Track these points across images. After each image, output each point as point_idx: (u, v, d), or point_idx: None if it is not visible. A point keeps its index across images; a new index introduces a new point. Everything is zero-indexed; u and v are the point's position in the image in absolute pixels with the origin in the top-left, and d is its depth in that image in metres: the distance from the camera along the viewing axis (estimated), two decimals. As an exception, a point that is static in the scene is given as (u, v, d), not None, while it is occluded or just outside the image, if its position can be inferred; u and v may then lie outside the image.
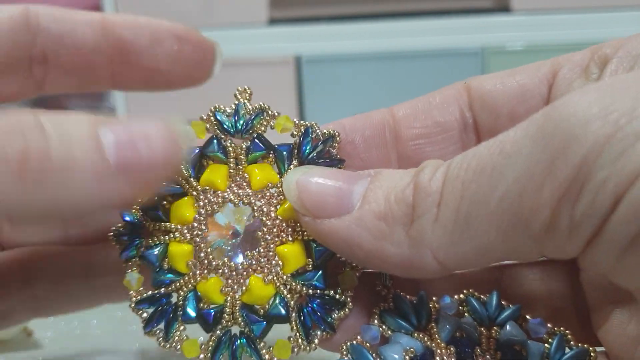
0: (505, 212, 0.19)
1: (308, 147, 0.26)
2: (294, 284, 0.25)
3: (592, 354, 0.24)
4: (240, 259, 0.25)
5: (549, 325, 0.26)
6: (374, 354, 0.25)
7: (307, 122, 0.27)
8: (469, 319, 0.26)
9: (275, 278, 0.25)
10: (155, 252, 0.26)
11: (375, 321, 0.26)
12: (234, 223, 0.26)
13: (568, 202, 0.18)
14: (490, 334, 0.26)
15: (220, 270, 0.25)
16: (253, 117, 0.27)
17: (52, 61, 0.26)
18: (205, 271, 0.25)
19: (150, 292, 0.25)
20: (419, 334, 0.26)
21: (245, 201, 0.26)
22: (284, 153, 0.27)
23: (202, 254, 0.25)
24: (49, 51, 0.25)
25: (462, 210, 0.20)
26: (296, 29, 0.77)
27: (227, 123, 0.27)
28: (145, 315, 0.25)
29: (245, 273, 0.25)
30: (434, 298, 0.26)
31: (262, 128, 0.27)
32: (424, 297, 0.26)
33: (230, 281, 0.25)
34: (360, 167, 0.27)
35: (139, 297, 0.25)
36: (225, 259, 0.25)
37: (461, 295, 0.26)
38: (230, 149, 0.26)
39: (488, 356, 0.25)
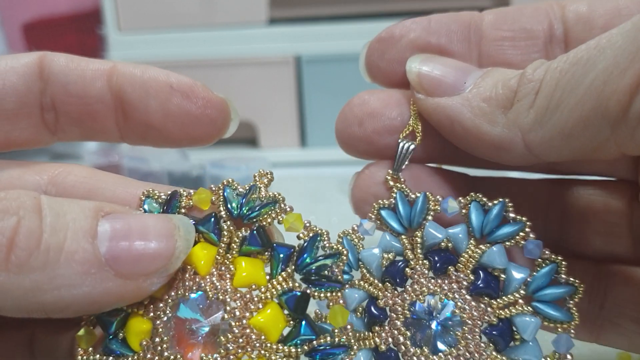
0: (590, 98, 0.20)
1: (309, 258, 0.24)
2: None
3: (580, 290, 0.24)
4: (196, 357, 0.23)
5: (546, 251, 0.25)
6: (360, 248, 0.26)
7: (319, 229, 0.25)
8: (462, 226, 0.26)
9: None
10: (113, 320, 0.24)
11: (372, 216, 0.26)
12: (200, 317, 0.23)
13: None
14: (473, 253, 0.25)
15: None
16: (261, 205, 0.25)
17: (60, 109, 0.25)
18: (156, 358, 0.23)
19: (97, 357, 0.24)
20: (406, 237, 0.26)
21: (220, 297, 0.23)
22: (281, 256, 0.24)
23: (157, 339, 0.23)
24: (56, 98, 0.25)
25: (555, 97, 0.22)
26: (296, 28, 0.76)
27: (232, 203, 0.25)
28: None
29: None
30: (439, 198, 0.26)
31: (269, 220, 0.25)
32: (423, 198, 0.26)
33: None
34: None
35: (84, 357, 0.24)
36: (178, 355, 0.23)
37: (467, 198, 0.26)
38: (226, 232, 0.24)
39: (462, 275, 0.25)
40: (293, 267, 0.24)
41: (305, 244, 0.25)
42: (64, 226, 0.20)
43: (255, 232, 0.25)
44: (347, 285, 0.25)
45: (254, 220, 0.25)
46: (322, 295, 0.25)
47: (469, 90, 0.25)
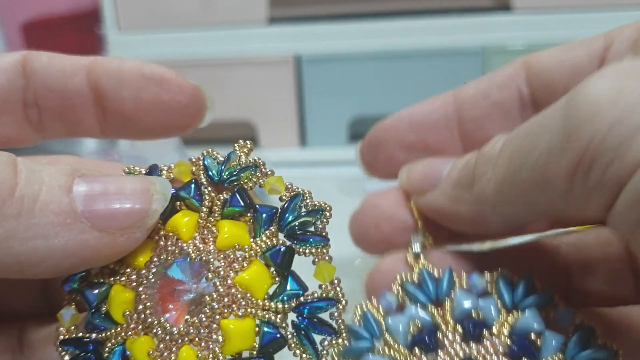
0: (538, 173, 0.22)
1: (291, 216, 0.24)
2: None
3: (620, 356, 0.24)
4: (181, 322, 0.23)
5: (579, 318, 0.25)
6: (382, 321, 0.25)
7: (300, 189, 0.25)
8: (491, 299, 0.26)
9: (210, 356, 0.22)
10: (95, 292, 0.23)
11: (395, 289, 0.26)
12: (184, 278, 0.23)
13: (581, 174, 0.20)
14: (506, 318, 0.25)
15: (155, 331, 0.23)
16: (241, 169, 0.25)
17: (42, 104, 0.26)
18: (140, 327, 0.23)
19: (80, 334, 0.23)
20: (433, 307, 0.26)
21: (204, 258, 0.23)
22: (264, 216, 0.24)
23: (140, 307, 0.23)
24: (38, 94, 0.26)
25: (510, 169, 0.23)
26: (296, 28, 0.76)
27: (213, 170, 0.25)
28: (67, 357, 0.23)
29: (180, 340, 0.22)
30: (463, 274, 0.27)
31: (250, 184, 0.25)
32: (449, 272, 0.27)
33: (161, 346, 0.22)
34: (428, 151, 0.31)
35: (66, 336, 0.23)
36: (163, 319, 0.23)
37: (494, 274, 0.27)
38: (207, 197, 0.24)
39: (497, 341, 0.24)
40: (276, 226, 0.24)
41: (287, 204, 0.24)
42: (39, 180, 0.20)
43: (236, 192, 0.24)
44: (369, 355, 0.25)
45: (235, 183, 0.25)
46: (307, 251, 0.24)
47: (443, 181, 0.27)
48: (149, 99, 0.25)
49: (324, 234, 0.25)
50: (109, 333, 0.23)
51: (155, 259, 0.23)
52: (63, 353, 0.23)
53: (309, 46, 0.76)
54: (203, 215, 0.24)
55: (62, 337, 0.23)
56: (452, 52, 0.77)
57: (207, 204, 0.24)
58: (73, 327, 0.23)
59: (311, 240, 0.24)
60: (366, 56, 0.77)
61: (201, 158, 0.25)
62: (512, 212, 0.24)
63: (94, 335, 0.23)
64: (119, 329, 0.23)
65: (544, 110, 0.22)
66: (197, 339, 0.22)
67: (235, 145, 0.26)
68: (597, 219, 0.21)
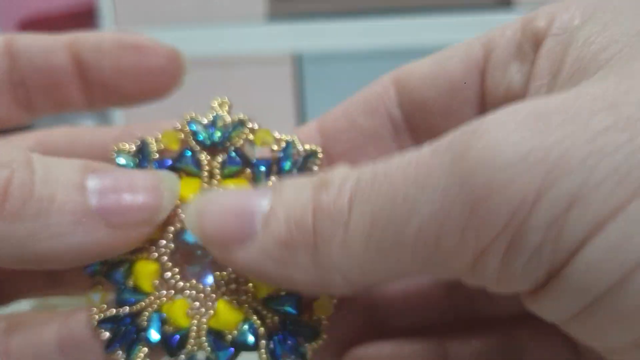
0: (422, 248, 0.17)
1: (288, 163, 0.25)
2: (265, 310, 0.24)
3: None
4: (209, 280, 0.24)
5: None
6: None
7: (288, 137, 0.25)
8: None
9: (245, 303, 0.24)
10: (121, 270, 0.25)
11: None
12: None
13: (495, 255, 0.16)
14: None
15: (187, 292, 0.24)
16: (230, 129, 0.25)
17: (29, 82, 0.27)
18: (172, 292, 0.24)
19: (113, 311, 0.24)
20: None
21: None
22: (262, 168, 0.25)
23: (169, 274, 0.24)
24: (24, 73, 0.27)
25: (374, 237, 0.18)
26: (296, 25, 0.76)
27: (202, 134, 0.25)
28: (106, 335, 0.24)
29: (213, 296, 0.24)
30: None
31: (240, 141, 0.26)
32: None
33: (197, 304, 0.24)
34: None
35: (101, 316, 0.24)
36: (193, 280, 0.24)
37: None
38: (205, 162, 0.25)
39: None
40: (276, 176, 0.25)
41: (282, 154, 0.25)
42: (54, 179, 0.21)
43: (233, 152, 0.25)
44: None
45: (227, 144, 0.25)
46: None
47: (262, 232, 0.20)
48: (128, 64, 0.26)
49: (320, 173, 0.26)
50: (142, 304, 0.24)
51: (171, 228, 0.24)
52: (101, 332, 0.24)
53: (310, 44, 0.76)
54: (205, 179, 0.25)
55: (97, 316, 0.24)
56: (454, 50, 0.77)
57: (206, 168, 0.25)
58: (104, 305, 0.24)
59: None
60: (367, 54, 0.77)
61: (186, 124, 0.25)
62: (373, 279, 0.19)
63: (127, 309, 0.24)
64: (152, 298, 0.24)
65: (411, 156, 0.18)
66: (229, 291, 0.24)
67: (214, 104, 0.26)
68: (503, 293, 0.17)
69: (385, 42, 0.76)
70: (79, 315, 0.25)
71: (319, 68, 0.76)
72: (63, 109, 0.28)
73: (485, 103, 0.22)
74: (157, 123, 0.26)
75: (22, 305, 0.28)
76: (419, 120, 0.24)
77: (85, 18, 0.93)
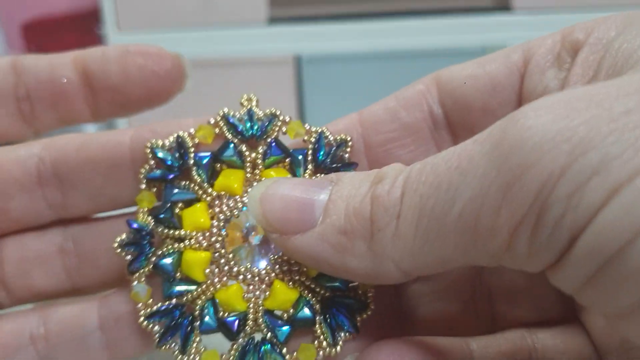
0: (462, 230, 0.18)
1: (322, 152, 0.26)
2: (317, 287, 0.25)
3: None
4: (263, 264, 0.25)
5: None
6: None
7: (317, 127, 0.27)
8: None
9: (299, 282, 0.25)
10: (170, 261, 0.25)
11: None
12: (254, 228, 0.25)
13: (525, 230, 0.17)
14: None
15: (242, 277, 0.25)
16: (267, 122, 0.26)
17: (34, 95, 0.27)
18: (225, 278, 0.25)
19: (161, 304, 0.25)
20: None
21: None
22: (300, 157, 0.26)
23: (223, 260, 0.25)
24: (29, 87, 0.27)
25: (421, 225, 0.19)
26: (297, 28, 0.76)
27: (241, 127, 0.26)
28: (157, 328, 0.25)
29: (267, 278, 0.25)
30: None
31: (275, 134, 0.26)
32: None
33: (252, 287, 0.25)
34: None
35: (149, 310, 0.25)
36: (248, 264, 0.25)
37: None
38: (247, 153, 0.26)
39: None
40: (312, 164, 0.26)
41: (316, 144, 0.26)
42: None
43: (274, 143, 0.26)
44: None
45: (265, 137, 0.26)
46: None
47: (322, 221, 0.22)
48: (134, 69, 0.27)
49: (351, 161, 0.26)
50: (195, 293, 0.25)
51: (221, 216, 0.25)
52: (151, 325, 0.24)
53: (309, 46, 0.76)
54: (248, 169, 0.26)
55: (144, 311, 0.25)
56: (453, 52, 0.77)
57: (248, 160, 0.26)
58: (150, 300, 0.25)
59: (342, 169, 0.26)
60: (366, 56, 0.77)
61: (221, 118, 0.26)
62: (423, 268, 0.21)
63: (174, 300, 0.25)
64: (204, 286, 0.25)
65: (456, 149, 0.19)
66: (282, 272, 0.25)
67: (244, 101, 0.27)
68: (533, 271, 0.18)
69: (383, 45, 0.77)
70: (119, 295, 0.25)
71: (318, 69, 0.77)
72: (68, 123, 0.28)
73: (522, 105, 0.24)
74: (171, 122, 0.27)
75: (22, 305, 0.28)
76: (458, 118, 0.25)
77: (88, 21, 0.94)
